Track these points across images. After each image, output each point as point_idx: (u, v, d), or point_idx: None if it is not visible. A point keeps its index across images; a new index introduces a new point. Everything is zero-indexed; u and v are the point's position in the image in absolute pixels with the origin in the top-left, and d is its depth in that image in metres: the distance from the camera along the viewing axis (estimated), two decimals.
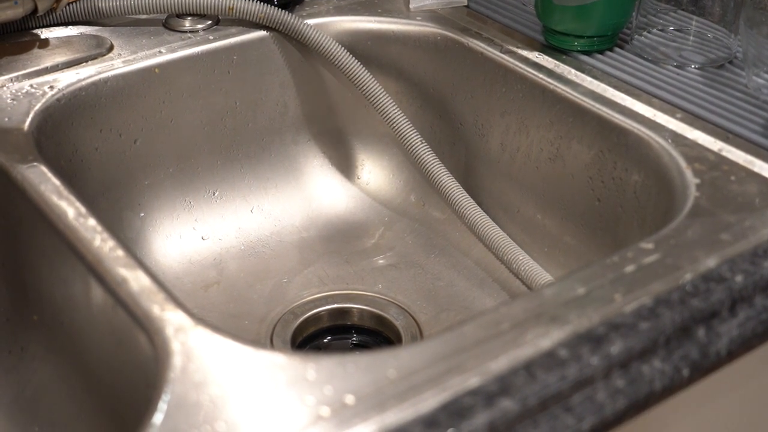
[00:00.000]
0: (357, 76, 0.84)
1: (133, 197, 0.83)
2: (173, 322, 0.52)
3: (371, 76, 0.85)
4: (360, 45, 0.88)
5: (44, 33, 0.83)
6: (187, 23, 0.85)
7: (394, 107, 0.84)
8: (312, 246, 0.88)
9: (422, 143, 0.84)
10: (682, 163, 0.68)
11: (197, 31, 0.85)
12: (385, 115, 0.84)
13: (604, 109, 0.75)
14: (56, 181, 0.64)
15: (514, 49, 0.83)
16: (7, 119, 0.72)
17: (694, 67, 0.81)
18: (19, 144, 0.69)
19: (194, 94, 0.84)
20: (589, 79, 0.79)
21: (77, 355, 0.66)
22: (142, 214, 0.83)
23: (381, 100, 0.84)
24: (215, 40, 0.84)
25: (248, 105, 0.87)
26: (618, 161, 0.74)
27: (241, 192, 0.88)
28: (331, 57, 0.84)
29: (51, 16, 0.83)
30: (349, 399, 0.47)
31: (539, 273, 0.78)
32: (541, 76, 0.80)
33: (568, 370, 0.49)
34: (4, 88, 0.76)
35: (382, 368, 0.49)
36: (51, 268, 0.65)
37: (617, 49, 0.83)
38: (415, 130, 0.84)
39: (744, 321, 0.56)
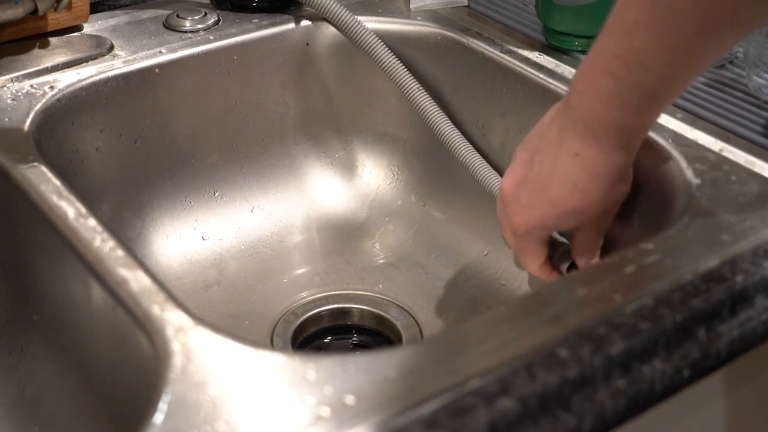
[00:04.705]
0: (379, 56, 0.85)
1: (133, 197, 0.83)
2: (173, 322, 0.52)
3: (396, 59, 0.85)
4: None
5: None
6: (188, 23, 0.85)
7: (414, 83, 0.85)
8: (312, 246, 0.88)
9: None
10: (683, 163, 0.68)
11: (197, 31, 0.85)
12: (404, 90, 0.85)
13: None
14: (56, 182, 0.64)
15: (515, 49, 0.83)
16: (7, 119, 0.72)
17: None
18: (19, 144, 0.69)
19: (194, 94, 0.84)
20: None
21: (77, 356, 0.66)
22: (142, 214, 0.83)
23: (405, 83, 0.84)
24: (215, 40, 0.84)
25: (248, 105, 0.87)
26: None
27: (242, 192, 0.88)
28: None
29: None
30: (349, 399, 0.47)
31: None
32: (541, 76, 0.80)
33: (568, 370, 0.49)
34: (5, 88, 0.76)
35: (382, 368, 0.49)
36: (51, 269, 0.65)
37: None
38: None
39: (744, 321, 0.56)
